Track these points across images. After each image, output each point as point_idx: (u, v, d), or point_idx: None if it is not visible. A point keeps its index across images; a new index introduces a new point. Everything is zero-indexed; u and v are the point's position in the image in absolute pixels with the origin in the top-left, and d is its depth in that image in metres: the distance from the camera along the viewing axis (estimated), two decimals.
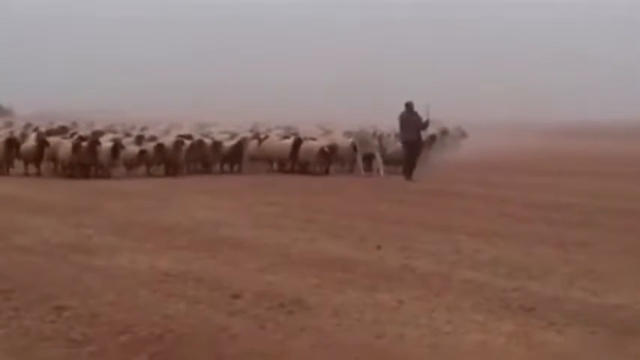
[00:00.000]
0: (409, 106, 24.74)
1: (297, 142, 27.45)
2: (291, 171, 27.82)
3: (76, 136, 28.69)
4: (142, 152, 25.92)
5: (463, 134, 39.30)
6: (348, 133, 30.80)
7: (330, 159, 26.86)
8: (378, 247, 12.35)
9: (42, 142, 26.69)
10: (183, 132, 31.84)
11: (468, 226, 14.63)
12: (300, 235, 13.65)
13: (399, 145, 26.49)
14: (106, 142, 26.44)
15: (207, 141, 27.61)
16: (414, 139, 24.60)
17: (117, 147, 25.66)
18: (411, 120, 24.62)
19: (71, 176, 25.48)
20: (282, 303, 8.95)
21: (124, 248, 12.44)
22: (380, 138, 27.89)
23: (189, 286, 9.86)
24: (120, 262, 11.38)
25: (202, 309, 8.82)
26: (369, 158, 27.22)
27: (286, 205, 17.78)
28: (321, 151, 26.44)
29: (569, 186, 22.55)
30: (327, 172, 26.88)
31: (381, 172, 26.61)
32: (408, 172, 24.43)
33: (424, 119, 24.67)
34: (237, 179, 25.39)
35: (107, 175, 25.46)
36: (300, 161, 27.50)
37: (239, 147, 27.62)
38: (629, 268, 10.93)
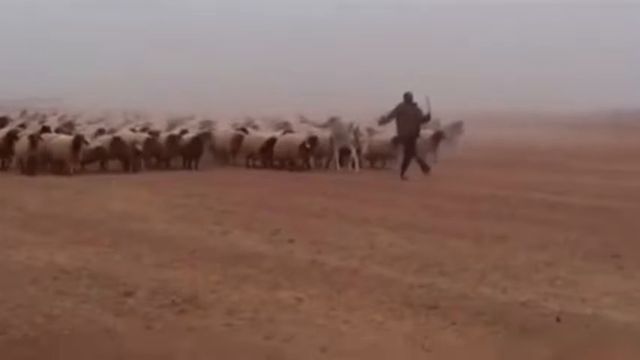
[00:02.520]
0: (408, 96, 22.58)
1: (274, 138, 25.67)
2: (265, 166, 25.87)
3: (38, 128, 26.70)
4: (98, 148, 23.66)
5: (460, 128, 36.34)
6: (321, 126, 29.16)
7: (310, 153, 25.07)
8: (290, 241, 11.97)
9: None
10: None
11: (387, 219, 14.28)
12: (213, 229, 13.23)
13: (377, 138, 25.61)
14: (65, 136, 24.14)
15: (163, 135, 25.79)
16: (413, 133, 22.48)
17: (79, 140, 22.97)
18: (410, 112, 22.41)
19: (31, 173, 22.55)
20: (174, 301, 8.52)
21: (26, 242, 11.93)
22: (356, 131, 25.28)
23: (82, 283, 9.39)
24: (17, 257, 10.89)
25: (90, 308, 8.36)
26: (344, 153, 25.26)
27: (206, 198, 17.29)
28: (302, 145, 24.53)
29: (495, 177, 22.28)
30: (308, 167, 25.10)
31: (357, 168, 24.61)
32: (405, 169, 22.34)
33: (425, 112, 22.52)
34: (169, 173, 23.88)
35: (64, 171, 22.84)
36: (278, 156, 25.51)
37: (197, 141, 25.48)
38: (544, 263, 10.63)
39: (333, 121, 27.66)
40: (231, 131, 27.73)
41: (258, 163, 26.48)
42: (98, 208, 15.62)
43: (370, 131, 26.75)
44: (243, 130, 27.67)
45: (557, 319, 7.97)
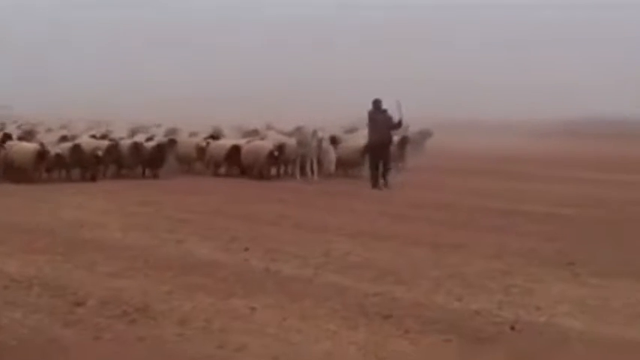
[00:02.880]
0: (377, 103, 21.95)
1: (237, 145, 25.11)
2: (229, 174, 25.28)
3: None
4: (58, 155, 22.62)
5: (427, 134, 36.20)
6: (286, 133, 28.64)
7: (278, 162, 24.66)
8: (246, 249, 11.87)
9: None
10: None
11: (345, 227, 14.22)
12: (168, 237, 13.07)
13: (345, 145, 25.18)
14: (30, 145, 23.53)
15: (125, 142, 25.07)
16: (384, 140, 21.83)
17: (43, 150, 22.35)
18: (380, 119, 21.76)
19: None
20: (125, 311, 8.39)
21: None
22: (320, 140, 24.37)
23: (33, 293, 9.24)
24: None
25: (39, 318, 8.20)
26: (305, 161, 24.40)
27: (162, 206, 17.09)
28: (270, 153, 23.91)
29: (455, 185, 22.29)
30: (271, 176, 24.55)
31: (315, 176, 23.76)
32: (376, 179, 21.58)
33: (396, 118, 21.83)
34: (127, 181, 23.16)
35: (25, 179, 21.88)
36: (246, 164, 24.80)
37: (160, 149, 24.63)
38: (499, 271, 10.64)
39: (298, 129, 27.35)
40: (196, 139, 27.32)
41: (223, 171, 25.90)
42: (53, 216, 15.39)
43: (334, 139, 26.30)
44: (213, 137, 27.32)
45: (512, 328, 7.96)
